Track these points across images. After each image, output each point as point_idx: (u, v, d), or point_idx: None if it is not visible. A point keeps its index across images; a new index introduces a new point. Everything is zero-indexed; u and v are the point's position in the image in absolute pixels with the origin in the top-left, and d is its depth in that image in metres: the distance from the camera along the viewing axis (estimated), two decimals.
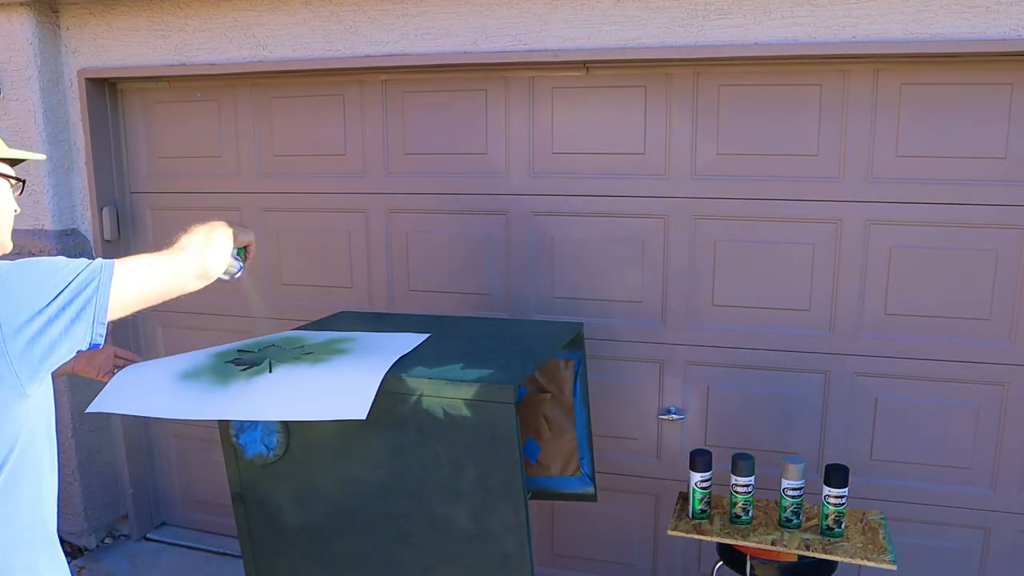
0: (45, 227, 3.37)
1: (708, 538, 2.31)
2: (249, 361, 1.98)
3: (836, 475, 2.23)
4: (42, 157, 1.63)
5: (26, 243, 3.40)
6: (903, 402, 2.74)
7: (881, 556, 2.16)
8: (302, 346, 2.10)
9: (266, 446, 1.99)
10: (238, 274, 1.84)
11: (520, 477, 1.80)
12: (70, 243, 3.41)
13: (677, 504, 2.48)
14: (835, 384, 2.78)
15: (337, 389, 1.85)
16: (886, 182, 2.63)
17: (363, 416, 1.77)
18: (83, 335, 1.36)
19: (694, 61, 2.67)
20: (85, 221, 3.46)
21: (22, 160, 1.64)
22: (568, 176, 2.91)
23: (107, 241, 3.46)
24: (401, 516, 1.94)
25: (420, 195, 3.08)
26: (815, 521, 2.33)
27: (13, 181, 1.60)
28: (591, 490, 2.62)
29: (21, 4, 3.17)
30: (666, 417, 2.95)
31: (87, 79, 3.30)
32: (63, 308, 1.34)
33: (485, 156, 2.99)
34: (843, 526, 2.27)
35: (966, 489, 2.75)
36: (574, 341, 2.52)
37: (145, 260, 1.50)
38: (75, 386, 3.44)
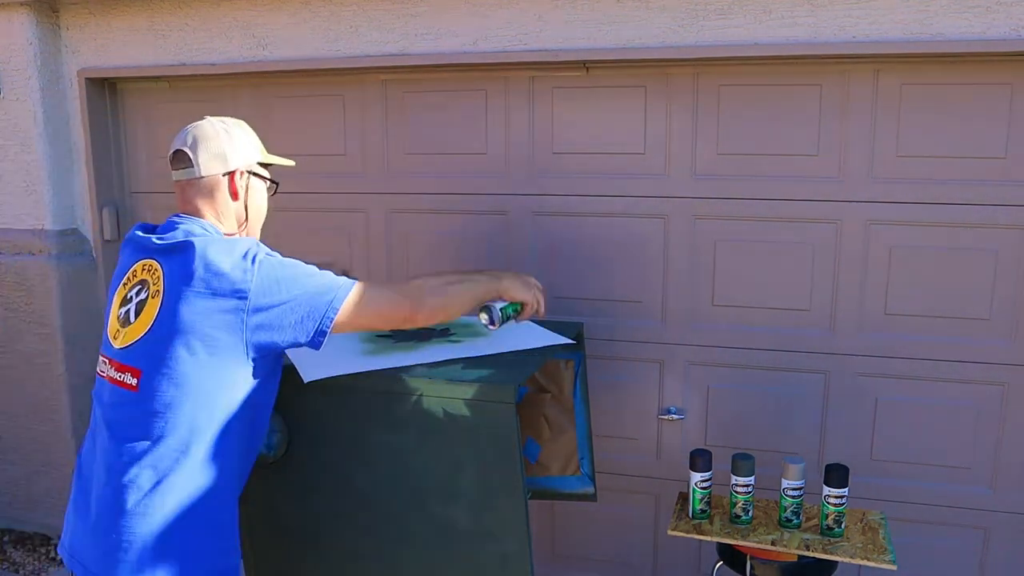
0: (45, 227, 3.37)
1: (708, 538, 2.31)
2: (417, 337, 2.13)
3: (836, 475, 2.23)
4: (292, 163, 1.92)
5: (26, 243, 3.41)
6: (903, 402, 2.74)
7: (881, 556, 2.16)
8: (447, 328, 2.24)
9: (267, 446, 1.99)
10: (491, 326, 1.95)
11: (520, 477, 1.80)
12: (70, 243, 3.41)
13: (677, 504, 2.48)
14: (835, 384, 2.79)
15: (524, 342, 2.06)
16: (886, 182, 2.63)
17: (570, 340, 2.12)
18: (303, 336, 1.63)
19: (694, 61, 2.67)
20: (85, 221, 3.46)
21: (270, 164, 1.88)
22: (568, 176, 2.91)
23: (107, 241, 3.46)
24: (401, 516, 1.94)
25: (420, 195, 3.08)
26: (815, 521, 2.33)
27: (269, 183, 1.86)
28: (591, 490, 2.62)
29: (21, 4, 3.17)
30: (666, 417, 2.95)
31: (87, 79, 3.30)
32: (296, 307, 1.61)
33: (485, 156, 2.99)
34: (843, 526, 2.27)
35: (966, 489, 2.75)
36: (574, 341, 2.52)
37: (377, 294, 1.74)
38: (75, 386, 3.44)
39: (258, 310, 1.58)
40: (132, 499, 1.58)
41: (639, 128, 2.81)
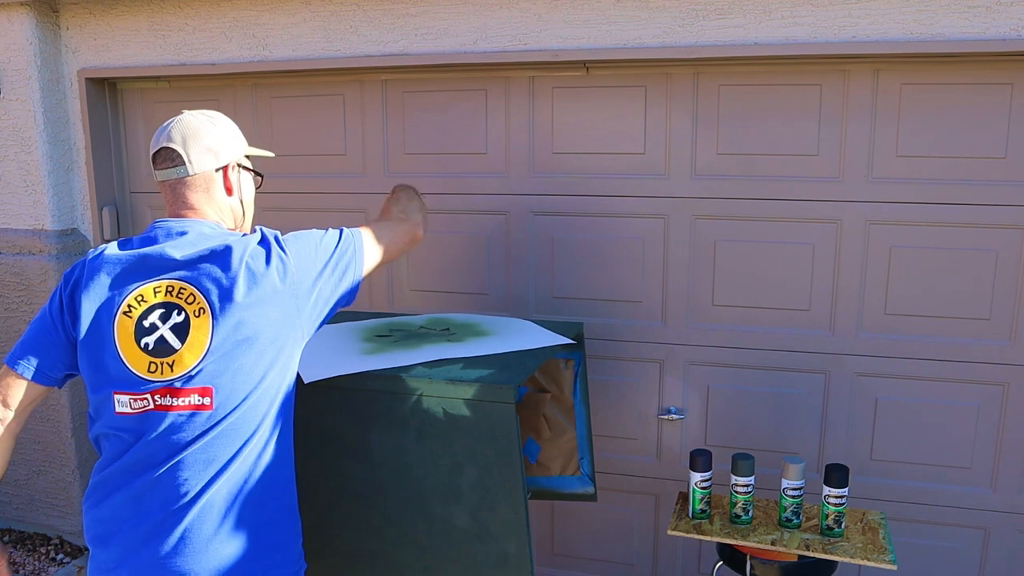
0: (45, 227, 3.38)
1: (708, 538, 2.31)
2: (417, 337, 2.19)
3: (836, 475, 2.23)
4: (271, 154, 1.91)
5: (26, 243, 3.41)
6: (903, 402, 2.74)
7: (881, 556, 2.16)
8: (447, 328, 2.31)
9: None
10: None
11: (520, 477, 1.80)
12: (70, 243, 3.41)
13: (677, 504, 2.48)
14: (835, 384, 2.79)
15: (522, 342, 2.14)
16: (886, 182, 2.63)
17: (570, 340, 2.21)
18: (348, 289, 1.72)
19: (694, 61, 2.67)
20: (85, 221, 3.46)
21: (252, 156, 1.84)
22: (568, 176, 2.91)
23: (107, 241, 3.46)
24: (401, 516, 1.94)
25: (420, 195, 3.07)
26: (815, 521, 2.33)
27: (255, 175, 1.81)
28: (591, 490, 2.62)
29: (21, 4, 3.17)
30: (666, 417, 2.95)
31: (87, 79, 3.30)
32: (334, 270, 1.68)
33: (485, 156, 2.99)
34: (843, 526, 2.27)
35: (966, 489, 2.75)
36: (574, 341, 2.52)
37: (380, 229, 1.85)
38: (75, 385, 3.44)
39: (308, 292, 1.63)
40: (217, 517, 1.56)
41: (639, 128, 2.81)
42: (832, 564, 2.24)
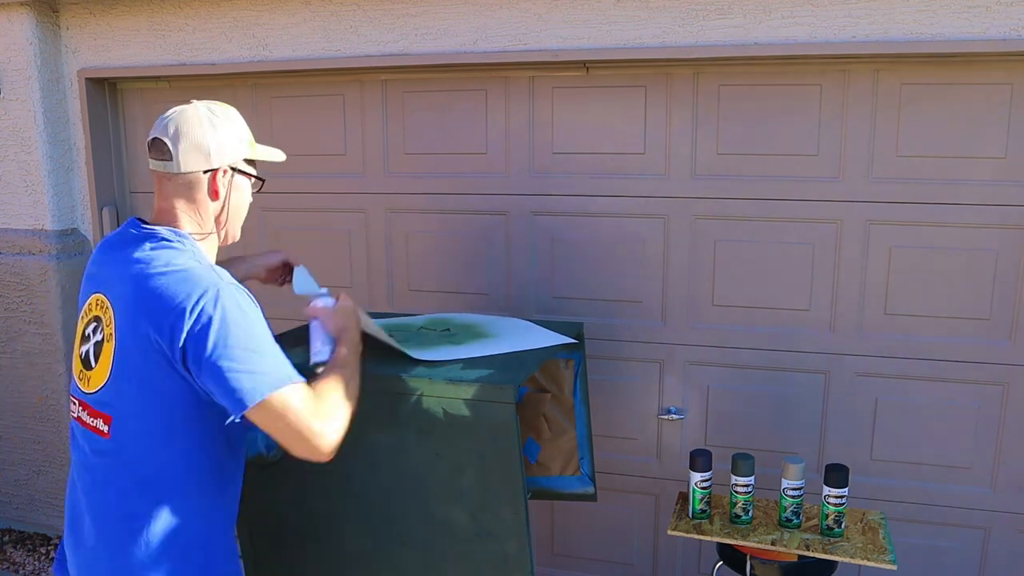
0: (45, 227, 3.38)
1: (708, 538, 2.31)
2: (418, 341, 2.14)
3: (836, 475, 2.23)
4: (282, 157, 1.75)
5: (26, 243, 3.41)
6: (903, 402, 2.74)
7: (881, 556, 2.16)
8: (447, 328, 2.28)
9: (266, 446, 1.98)
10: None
11: (520, 477, 1.80)
12: (70, 243, 3.41)
13: (677, 504, 2.48)
14: (835, 384, 2.79)
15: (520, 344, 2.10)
16: (886, 182, 2.63)
17: (573, 340, 2.21)
18: (229, 407, 1.47)
19: (694, 61, 2.67)
20: (85, 221, 3.46)
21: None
22: (568, 176, 2.91)
23: None
24: (401, 516, 1.94)
25: (420, 195, 3.08)
26: (815, 521, 2.33)
27: (254, 179, 1.68)
28: (591, 490, 2.62)
29: (21, 4, 3.17)
30: (666, 417, 2.95)
31: (87, 79, 3.30)
32: (226, 380, 1.43)
33: (485, 156, 2.99)
34: (843, 526, 2.27)
35: (966, 489, 2.75)
36: (575, 340, 2.51)
37: (302, 413, 1.49)
38: None
39: (199, 362, 1.39)
40: (118, 541, 1.50)
41: (639, 128, 2.81)
42: (832, 564, 2.24)
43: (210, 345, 1.38)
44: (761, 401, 2.86)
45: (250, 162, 1.68)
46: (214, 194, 1.57)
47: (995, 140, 2.52)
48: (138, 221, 1.57)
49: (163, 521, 1.50)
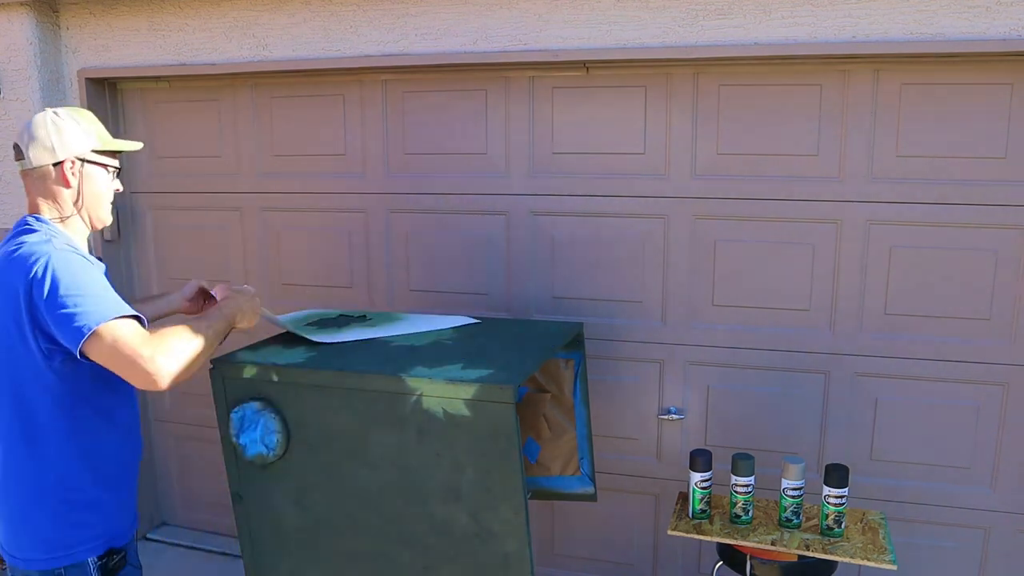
0: None
1: (708, 538, 2.31)
2: (336, 324, 2.37)
3: (836, 475, 2.23)
4: (139, 146, 1.91)
5: None
6: (903, 402, 2.74)
7: (881, 556, 2.16)
8: (364, 315, 2.49)
9: (266, 446, 1.99)
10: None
11: (520, 477, 1.80)
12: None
13: (677, 504, 2.48)
14: (835, 384, 2.79)
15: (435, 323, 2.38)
16: (886, 182, 2.63)
17: (475, 320, 2.48)
18: (71, 346, 1.64)
19: (694, 61, 2.67)
20: None
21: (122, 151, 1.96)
22: (568, 176, 2.91)
23: (107, 241, 3.46)
24: (401, 516, 1.94)
25: (420, 195, 3.08)
26: (815, 521, 2.33)
27: (110, 168, 1.90)
28: (591, 490, 2.62)
29: (21, 4, 3.17)
30: (666, 417, 2.95)
31: (87, 79, 3.30)
32: (65, 317, 1.64)
33: (485, 156, 2.99)
34: (843, 526, 2.27)
35: (966, 489, 2.75)
36: (574, 341, 2.52)
37: (131, 340, 1.64)
38: None
39: (42, 316, 1.61)
40: None
41: (639, 128, 2.81)
42: (832, 564, 2.24)
43: (46, 298, 1.60)
44: (761, 401, 2.86)
45: (110, 153, 1.89)
46: (65, 183, 1.79)
47: (995, 140, 2.52)
48: (26, 217, 1.81)
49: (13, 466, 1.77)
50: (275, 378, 1.98)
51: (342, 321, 2.42)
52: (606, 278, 2.93)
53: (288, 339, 2.24)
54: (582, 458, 2.62)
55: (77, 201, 1.82)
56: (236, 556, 3.45)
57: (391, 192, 3.11)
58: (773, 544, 2.24)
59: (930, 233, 2.62)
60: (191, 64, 3.16)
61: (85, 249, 1.82)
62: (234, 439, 2.01)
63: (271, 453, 1.99)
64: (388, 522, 1.96)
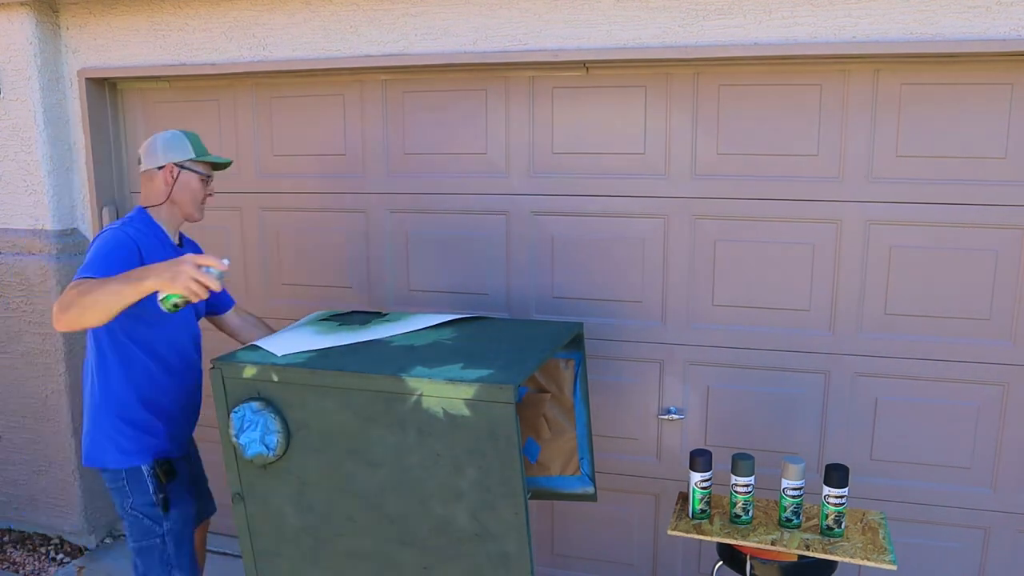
0: (45, 227, 3.38)
1: (708, 538, 2.31)
2: (356, 321, 2.48)
3: (836, 475, 2.23)
4: (222, 160, 2.42)
5: (27, 243, 3.41)
6: (903, 402, 2.74)
7: (881, 556, 2.16)
8: (379, 311, 2.57)
9: (266, 446, 1.99)
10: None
11: (520, 477, 1.80)
12: (70, 243, 3.41)
13: (677, 504, 2.48)
14: (835, 384, 2.79)
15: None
16: (886, 182, 2.63)
17: (462, 315, 2.52)
18: None
19: (694, 61, 2.67)
20: (85, 221, 3.46)
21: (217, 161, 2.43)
22: (568, 176, 2.91)
23: None
24: (401, 516, 1.94)
25: (420, 195, 3.08)
26: (815, 521, 2.33)
27: (202, 175, 2.38)
28: (591, 490, 2.62)
29: (21, 4, 3.17)
30: (666, 417, 2.95)
31: (87, 79, 3.30)
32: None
33: (485, 156, 2.99)
34: (843, 526, 2.27)
35: (966, 489, 2.75)
36: (574, 341, 2.52)
37: (65, 292, 2.03)
38: (75, 386, 3.44)
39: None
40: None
41: (639, 128, 2.81)
42: (832, 564, 2.24)
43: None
44: (761, 401, 2.86)
45: (203, 164, 2.39)
46: (165, 182, 2.34)
47: (995, 140, 2.52)
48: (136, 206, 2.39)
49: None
50: (275, 378, 1.98)
51: (364, 319, 2.46)
52: (606, 278, 2.93)
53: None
54: (582, 458, 2.62)
55: (173, 196, 2.34)
56: (236, 556, 3.45)
57: (391, 192, 3.11)
58: (773, 544, 2.24)
59: (930, 233, 2.62)
60: (191, 64, 3.16)
61: (171, 235, 2.37)
62: (234, 439, 2.01)
63: (271, 453, 1.99)
64: (388, 522, 1.96)
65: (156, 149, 2.34)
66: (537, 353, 2.11)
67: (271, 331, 2.64)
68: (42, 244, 3.37)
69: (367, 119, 3.10)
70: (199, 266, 1.90)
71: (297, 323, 2.48)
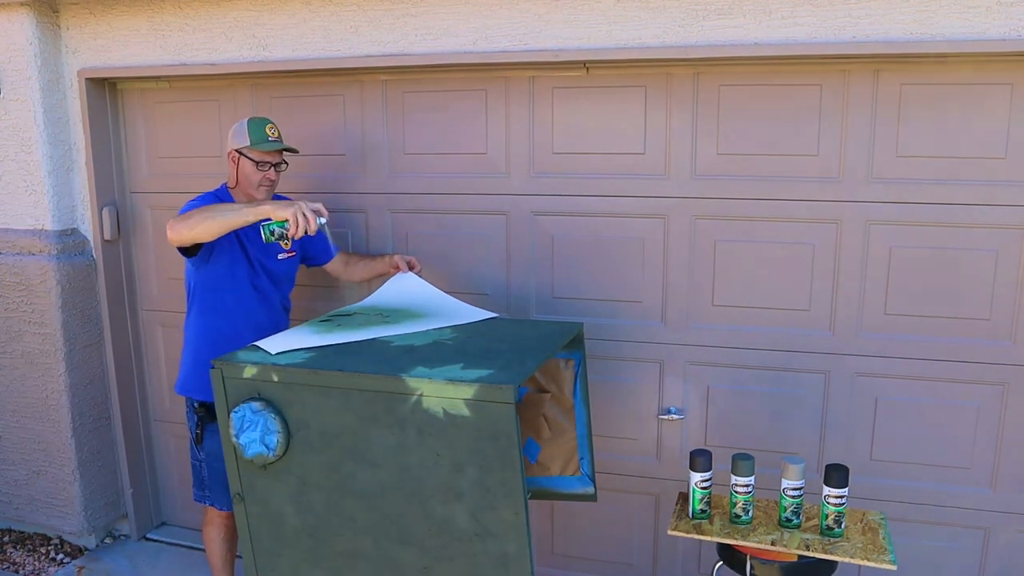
0: (45, 227, 3.38)
1: (708, 538, 2.31)
2: (356, 322, 2.48)
3: (836, 475, 2.23)
4: (269, 148, 2.65)
5: (26, 243, 3.41)
6: (903, 402, 2.74)
7: (881, 556, 2.16)
8: (381, 313, 2.59)
9: (266, 446, 1.99)
10: (276, 240, 2.42)
11: (520, 477, 1.80)
12: (70, 243, 3.41)
13: (677, 504, 2.48)
14: (835, 384, 2.79)
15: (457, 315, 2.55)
16: (886, 182, 2.63)
17: (493, 315, 2.61)
18: None
19: (694, 61, 2.67)
20: (85, 221, 3.46)
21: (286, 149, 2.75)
22: (568, 176, 2.91)
23: (107, 241, 3.46)
24: (401, 516, 1.95)
25: (420, 195, 3.08)
26: (815, 521, 2.33)
27: (258, 162, 2.64)
28: (591, 490, 2.62)
29: (21, 4, 3.17)
30: (666, 417, 2.95)
31: (87, 79, 3.30)
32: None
33: (485, 156, 2.99)
34: (843, 526, 2.27)
35: (966, 489, 2.75)
36: (574, 341, 2.52)
37: (177, 217, 2.50)
38: (75, 386, 3.44)
39: None
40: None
41: (639, 128, 2.81)
42: (832, 564, 2.24)
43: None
44: (761, 401, 2.86)
45: (256, 151, 2.64)
46: (230, 165, 2.71)
47: (995, 140, 2.52)
48: None
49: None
50: (275, 378, 1.98)
51: (362, 320, 2.49)
52: (606, 278, 2.93)
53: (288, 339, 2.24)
54: (582, 458, 2.62)
55: (234, 177, 2.70)
56: (236, 556, 3.45)
57: (391, 192, 3.11)
58: (773, 544, 2.24)
59: (930, 233, 2.62)
60: (191, 64, 3.16)
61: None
62: (234, 439, 2.02)
63: (271, 453, 1.99)
64: (388, 522, 1.96)
65: (228, 136, 2.70)
66: (537, 353, 2.11)
67: (371, 262, 2.96)
68: (42, 244, 3.37)
69: (367, 119, 3.10)
70: (308, 208, 2.33)
71: (299, 326, 2.48)
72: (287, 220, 2.32)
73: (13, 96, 3.29)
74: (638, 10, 2.63)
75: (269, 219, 2.37)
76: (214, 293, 2.68)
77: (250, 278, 2.71)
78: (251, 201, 2.60)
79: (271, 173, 2.67)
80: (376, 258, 2.97)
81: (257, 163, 2.63)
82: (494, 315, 2.62)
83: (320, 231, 2.38)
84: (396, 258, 2.87)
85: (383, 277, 2.90)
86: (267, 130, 2.65)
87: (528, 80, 2.89)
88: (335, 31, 2.96)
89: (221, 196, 2.69)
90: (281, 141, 2.70)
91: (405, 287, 2.79)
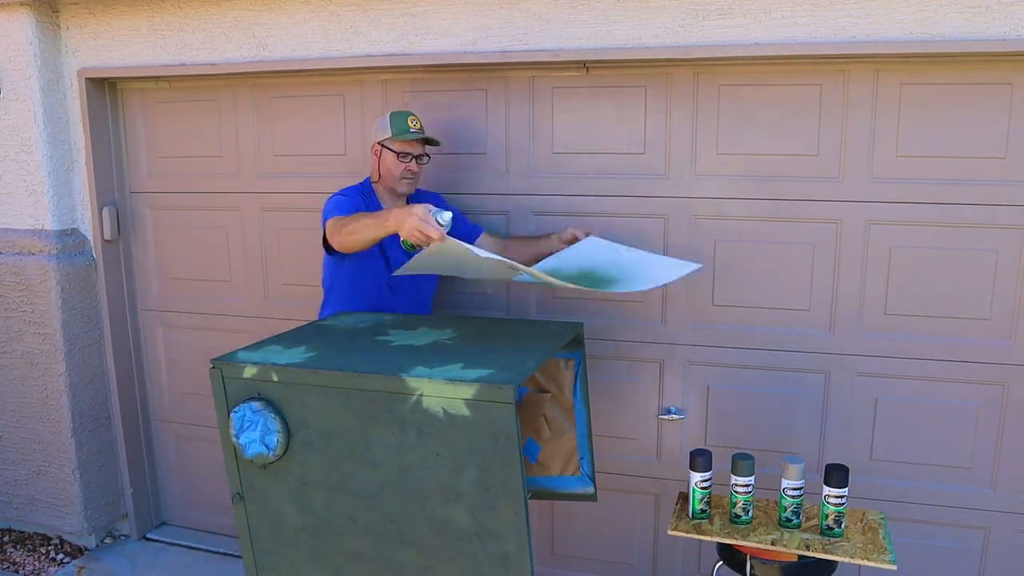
0: (45, 227, 3.38)
1: (708, 538, 2.31)
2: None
3: (836, 475, 2.23)
4: (437, 143, 2.73)
5: (26, 243, 3.41)
6: (903, 402, 2.74)
7: (881, 556, 2.16)
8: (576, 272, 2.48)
9: (266, 446, 1.99)
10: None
11: (520, 477, 1.80)
12: (70, 243, 3.41)
13: (677, 504, 2.48)
14: (835, 384, 2.79)
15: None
16: (886, 182, 2.63)
17: (699, 265, 2.49)
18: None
19: (694, 61, 2.67)
20: (85, 221, 3.46)
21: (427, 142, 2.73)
22: (568, 176, 2.91)
23: (107, 241, 3.46)
24: (401, 516, 1.94)
25: None
26: (815, 521, 2.33)
27: (400, 154, 2.65)
28: (591, 490, 2.62)
29: (21, 4, 3.17)
30: (666, 417, 2.95)
31: (87, 79, 3.30)
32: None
33: (485, 156, 2.99)
34: (843, 526, 2.27)
35: (966, 489, 2.75)
36: (574, 341, 2.52)
37: (331, 225, 2.47)
38: (75, 386, 3.44)
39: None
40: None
41: (639, 128, 2.81)
42: (832, 564, 2.24)
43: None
44: (761, 401, 2.86)
45: (398, 142, 2.64)
46: (373, 159, 2.72)
47: (995, 140, 2.52)
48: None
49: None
50: (275, 378, 1.98)
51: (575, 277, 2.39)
52: None
53: (288, 339, 2.24)
54: (582, 458, 2.62)
55: (378, 170, 2.71)
56: (236, 556, 3.45)
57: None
58: (773, 544, 2.23)
59: (930, 233, 2.62)
60: (191, 64, 3.16)
61: (389, 206, 2.65)
62: (234, 439, 2.01)
63: (271, 453, 1.99)
64: (388, 522, 1.96)
65: (372, 130, 2.73)
66: (537, 353, 2.11)
67: (534, 242, 2.78)
68: (42, 244, 3.37)
69: (367, 119, 3.10)
70: (423, 219, 2.13)
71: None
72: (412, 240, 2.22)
73: (13, 96, 3.29)
74: (638, 10, 2.63)
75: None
76: (351, 289, 2.71)
77: (387, 278, 2.70)
78: (393, 194, 2.69)
79: (412, 165, 2.65)
80: (540, 238, 2.79)
81: (398, 154, 2.63)
82: (697, 265, 2.48)
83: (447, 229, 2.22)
84: (570, 230, 2.71)
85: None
86: (409, 121, 2.63)
87: (528, 80, 2.89)
88: (335, 31, 2.96)
89: (365, 191, 2.68)
90: (423, 132, 2.66)
91: (586, 250, 2.61)
